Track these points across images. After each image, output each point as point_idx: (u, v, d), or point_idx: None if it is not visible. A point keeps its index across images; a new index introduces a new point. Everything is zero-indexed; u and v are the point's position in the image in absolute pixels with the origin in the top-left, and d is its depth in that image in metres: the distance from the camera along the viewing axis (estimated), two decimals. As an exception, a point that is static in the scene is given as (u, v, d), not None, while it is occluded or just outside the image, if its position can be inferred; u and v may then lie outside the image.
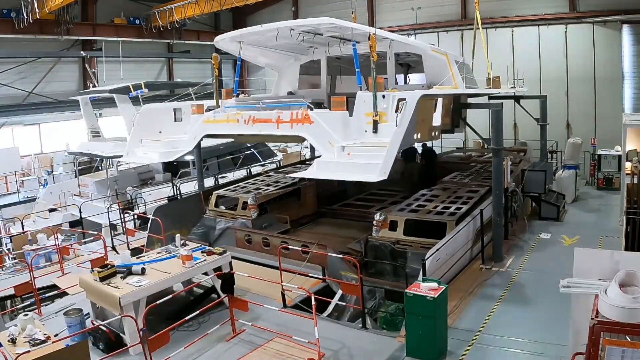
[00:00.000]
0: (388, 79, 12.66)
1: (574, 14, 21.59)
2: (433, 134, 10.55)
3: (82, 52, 24.96)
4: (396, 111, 9.19)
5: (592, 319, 4.55)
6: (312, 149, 19.72)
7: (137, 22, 26.73)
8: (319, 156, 9.72)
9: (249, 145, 21.20)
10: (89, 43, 25.53)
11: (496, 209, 10.95)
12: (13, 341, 6.23)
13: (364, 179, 8.58)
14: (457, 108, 12.48)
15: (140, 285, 7.54)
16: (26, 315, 6.74)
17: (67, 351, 6.18)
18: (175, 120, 13.21)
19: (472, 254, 10.77)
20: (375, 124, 9.26)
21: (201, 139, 11.90)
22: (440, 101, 10.72)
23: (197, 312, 7.77)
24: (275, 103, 11.26)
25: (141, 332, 6.74)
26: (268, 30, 11.63)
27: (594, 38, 21.19)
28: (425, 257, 8.28)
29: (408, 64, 14.95)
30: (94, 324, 7.75)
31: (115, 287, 7.47)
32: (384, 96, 9.41)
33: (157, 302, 7.30)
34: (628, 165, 13.61)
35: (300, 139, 9.82)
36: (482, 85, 14.14)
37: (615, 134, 16.48)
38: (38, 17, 20.76)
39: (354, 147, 8.86)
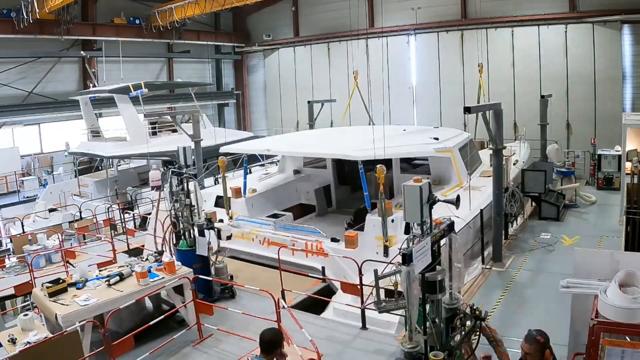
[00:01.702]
0: (394, 180, 13.08)
1: (574, 14, 21.58)
2: None
3: (82, 52, 24.94)
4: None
5: (592, 319, 4.56)
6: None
7: (137, 22, 26.72)
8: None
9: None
10: (89, 43, 25.52)
11: (496, 209, 10.96)
12: (13, 341, 6.23)
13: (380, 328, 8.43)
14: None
15: (85, 305, 7.01)
16: (26, 315, 6.73)
17: (59, 340, 6.16)
18: None
19: (472, 254, 10.77)
20: (386, 249, 9.66)
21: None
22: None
23: (162, 316, 7.59)
24: (288, 225, 11.54)
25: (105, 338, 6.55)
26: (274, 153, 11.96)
27: (594, 38, 21.18)
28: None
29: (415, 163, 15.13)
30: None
31: (60, 305, 7.01)
32: (392, 220, 9.85)
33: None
34: (628, 165, 13.62)
35: (317, 270, 10.04)
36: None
37: (615, 134, 16.50)
38: (38, 17, 20.75)
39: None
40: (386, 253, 9.63)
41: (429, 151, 12.45)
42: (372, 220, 10.11)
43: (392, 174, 13.29)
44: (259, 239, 11.09)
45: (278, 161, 21.51)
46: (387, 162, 12.10)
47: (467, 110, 10.24)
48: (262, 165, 20.55)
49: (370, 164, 11.18)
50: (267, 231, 11.23)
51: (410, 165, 13.91)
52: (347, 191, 14.92)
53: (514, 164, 14.89)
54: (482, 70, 18.61)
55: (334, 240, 10.33)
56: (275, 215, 12.51)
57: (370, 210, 10.60)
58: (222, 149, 13.62)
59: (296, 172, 15.00)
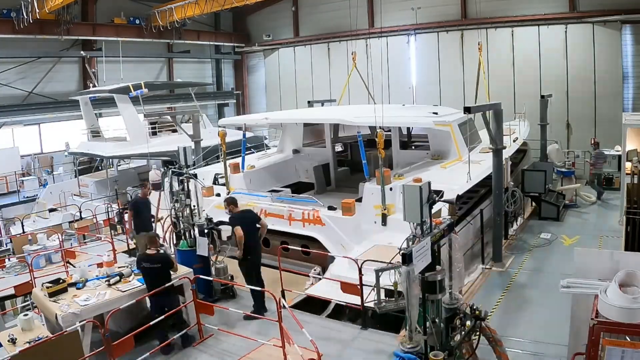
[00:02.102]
0: (393, 153, 13.03)
1: (574, 14, 21.57)
2: None
3: (82, 52, 24.94)
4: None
5: (592, 319, 4.56)
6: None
7: (137, 22, 26.71)
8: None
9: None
10: (89, 43, 25.51)
11: (496, 209, 10.96)
12: (13, 341, 6.23)
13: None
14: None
15: (85, 305, 7.01)
16: (26, 315, 6.73)
17: (59, 341, 6.17)
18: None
19: (472, 254, 10.77)
20: (385, 217, 9.56)
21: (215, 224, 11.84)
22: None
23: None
24: (285, 197, 11.48)
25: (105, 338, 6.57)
26: (272, 121, 11.90)
27: (594, 38, 21.17)
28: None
29: (414, 140, 15.11)
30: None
31: (60, 304, 7.02)
32: (391, 189, 9.74)
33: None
34: (628, 165, 13.61)
35: (313, 239, 9.99)
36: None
37: (615, 134, 16.49)
38: (38, 17, 20.74)
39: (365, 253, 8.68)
40: (384, 222, 9.49)
41: (428, 122, 12.36)
42: (370, 188, 9.89)
43: (392, 150, 13.19)
44: (256, 211, 10.84)
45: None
46: (387, 143, 12.05)
47: (467, 110, 10.25)
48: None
49: (370, 147, 11.08)
50: (265, 202, 11.05)
51: (409, 142, 13.84)
52: (347, 172, 14.90)
53: (514, 141, 14.86)
54: (481, 48, 18.40)
55: (331, 208, 10.21)
56: (273, 192, 12.44)
57: (368, 179, 10.46)
58: (221, 122, 13.53)
59: (295, 151, 14.94)
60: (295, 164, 14.26)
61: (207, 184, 12.72)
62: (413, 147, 14.33)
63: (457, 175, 11.02)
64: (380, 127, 9.70)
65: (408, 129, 15.10)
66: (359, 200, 10.42)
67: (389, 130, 12.95)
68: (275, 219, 10.50)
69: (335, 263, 9.27)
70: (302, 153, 14.82)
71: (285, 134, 15.61)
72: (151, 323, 7.35)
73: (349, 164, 15.02)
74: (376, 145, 9.94)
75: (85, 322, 6.81)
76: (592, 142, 17.45)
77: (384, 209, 9.52)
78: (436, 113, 13.18)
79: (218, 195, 11.97)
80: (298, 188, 13.61)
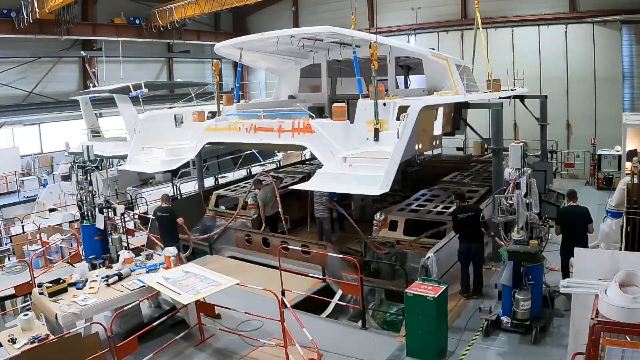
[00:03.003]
0: (388, 81, 12.64)
1: (574, 14, 21.58)
2: (434, 142, 10.55)
3: (82, 52, 24.95)
4: (397, 119, 9.28)
5: (592, 319, 4.55)
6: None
7: (137, 22, 26.72)
8: (321, 165, 9.67)
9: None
10: (89, 43, 25.53)
11: (496, 209, 10.94)
12: (13, 341, 6.23)
13: (366, 192, 8.51)
14: (458, 110, 12.47)
15: (84, 305, 7.01)
16: (26, 315, 6.73)
17: (79, 339, 6.26)
18: (176, 126, 13.27)
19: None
20: (377, 132, 9.28)
21: (203, 147, 11.87)
22: (441, 110, 10.70)
23: (165, 317, 7.63)
24: (276, 112, 11.26)
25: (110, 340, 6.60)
26: (269, 37, 11.65)
27: (594, 38, 21.18)
28: (426, 257, 8.29)
29: (408, 65, 14.96)
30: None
31: (60, 304, 7.01)
32: (385, 104, 9.44)
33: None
34: (628, 165, 13.61)
35: (301, 148, 9.81)
36: (483, 88, 14.16)
37: (615, 134, 16.49)
38: (38, 17, 20.76)
39: (355, 159, 8.79)
40: (376, 137, 9.28)
41: (425, 51, 12.19)
42: (364, 104, 9.62)
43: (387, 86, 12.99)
44: (245, 127, 10.74)
45: (279, 161, 21.65)
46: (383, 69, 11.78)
47: (466, 106, 10.22)
48: (262, 165, 20.56)
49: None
50: (255, 119, 10.87)
51: (405, 67, 13.65)
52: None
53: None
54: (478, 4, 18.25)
55: (323, 117, 10.02)
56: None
57: (361, 95, 10.24)
58: (218, 46, 13.26)
59: (291, 97, 14.85)
60: (290, 105, 14.16)
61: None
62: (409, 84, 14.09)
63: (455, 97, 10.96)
64: (375, 41, 9.48)
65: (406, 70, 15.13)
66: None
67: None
68: (264, 133, 10.34)
69: (325, 166, 9.15)
70: (298, 98, 14.69)
71: (282, 81, 15.49)
72: (155, 324, 7.35)
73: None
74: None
75: (90, 324, 6.85)
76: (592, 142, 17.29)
77: (377, 124, 9.24)
78: (433, 49, 12.98)
79: (209, 116, 11.98)
80: None
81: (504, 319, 7.48)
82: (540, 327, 7.40)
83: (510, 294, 7.44)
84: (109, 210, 10.71)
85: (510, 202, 7.60)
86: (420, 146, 9.56)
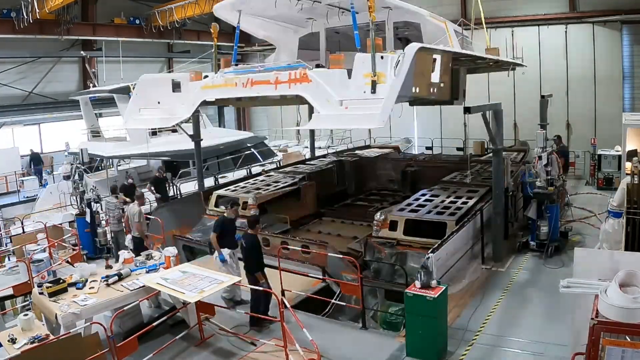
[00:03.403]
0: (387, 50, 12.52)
1: (574, 14, 21.58)
2: (432, 89, 10.31)
3: (82, 52, 24.96)
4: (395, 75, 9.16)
5: (592, 319, 4.55)
6: (312, 149, 19.74)
7: (137, 22, 26.73)
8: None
9: (249, 145, 21.20)
10: (89, 43, 25.53)
11: (496, 208, 10.95)
12: (13, 341, 6.23)
13: (363, 126, 8.39)
14: (456, 75, 12.29)
15: (84, 305, 7.03)
16: (26, 315, 6.73)
17: (79, 337, 6.27)
18: (173, 90, 12.83)
19: (472, 254, 10.77)
20: (374, 84, 9.03)
21: (199, 105, 11.67)
22: (439, 59, 10.53)
23: (165, 317, 7.64)
24: (274, 66, 11.12)
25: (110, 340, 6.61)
26: None
27: (594, 38, 21.19)
28: (426, 257, 8.28)
29: (407, 38, 14.84)
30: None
31: (60, 304, 7.03)
32: (382, 57, 9.18)
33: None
34: (628, 165, 13.61)
35: (299, 100, 9.73)
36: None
37: (615, 134, 16.49)
38: (38, 17, 20.76)
39: (352, 101, 8.77)
40: (374, 89, 9.08)
41: (423, 12, 12.05)
42: (361, 57, 9.40)
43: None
44: (242, 82, 10.55)
45: (279, 161, 21.64)
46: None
47: (467, 110, 10.21)
48: (262, 165, 20.55)
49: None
50: (252, 74, 10.72)
51: (404, 40, 13.58)
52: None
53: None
54: None
55: (319, 65, 10.00)
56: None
57: (359, 49, 9.89)
58: (216, 7, 13.17)
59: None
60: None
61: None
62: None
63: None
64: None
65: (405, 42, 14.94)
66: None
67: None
68: (261, 86, 10.26)
69: (322, 110, 9.14)
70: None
71: (280, 52, 15.38)
72: (155, 324, 7.35)
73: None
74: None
75: (91, 324, 6.85)
76: (592, 142, 17.35)
77: (374, 76, 9.03)
78: None
79: (206, 76, 11.85)
80: None
81: (532, 242, 11.18)
82: (555, 246, 10.95)
83: (535, 223, 11.02)
84: (99, 204, 12.58)
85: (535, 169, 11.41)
86: (417, 90, 9.41)
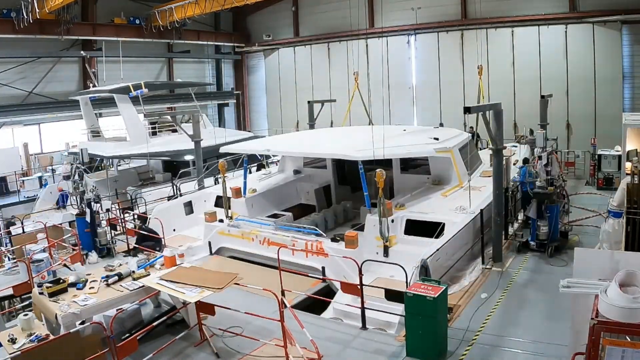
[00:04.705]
0: (394, 179, 13.17)
1: (574, 14, 21.58)
2: None
3: (82, 52, 24.94)
4: (405, 233, 10.24)
5: (592, 319, 4.55)
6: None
7: (137, 22, 26.71)
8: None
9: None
10: (89, 43, 25.51)
11: (496, 208, 10.95)
12: (13, 341, 6.23)
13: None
14: None
15: (84, 305, 7.07)
16: (26, 315, 6.73)
17: (79, 337, 6.26)
18: (186, 214, 13.91)
19: (472, 254, 10.76)
20: (386, 249, 9.77)
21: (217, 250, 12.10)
22: None
23: (165, 317, 7.65)
24: (288, 225, 11.60)
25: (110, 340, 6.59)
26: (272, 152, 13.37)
27: (594, 38, 21.18)
28: (426, 257, 8.28)
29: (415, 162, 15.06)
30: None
31: (60, 304, 7.06)
32: (392, 221, 9.94)
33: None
34: (628, 165, 13.61)
35: (316, 269, 10.06)
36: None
37: (615, 134, 16.49)
38: (38, 17, 20.75)
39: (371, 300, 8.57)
40: (386, 253, 9.60)
41: (429, 151, 12.47)
42: (372, 220, 10.10)
43: (392, 174, 13.29)
44: (259, 239, 11.07)
45: (278, 161, 21.63)
46: (388, 162, 12.03)
47: (467, 110, 10.20)
48: (262, 164, 20.53)
49: (371, 164, 11.17)
50: (267, 231, 11.21)
51: (410, 164, 13.90)
52: (348, 191, 14.92)
53: (514, 164, 14.90)
54: (481, 72, 18.56)
55: (334, 240, 10.31)
56: (275, 216, 12.51)
57: (370, 210, 10.58)
58: (222, 149, 13.60)
59: (296, 172, 14.99)
60: (297, 185, 14.35)
61: (209, 207, 13.59)
62: (413, 169, 14.27)
63: (458, 203, 11.27)
64: (379, 169, 9.86)
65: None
66: (361, 228, 10.54)
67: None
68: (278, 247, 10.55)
69: (339, 295, 9.31)
70: (303, 174, 14.87)
71: (285, 161, 15.61)
72: (155, 324, 7.34)
73: (349, 181, 14.93)
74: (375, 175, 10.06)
75: (90, 324, 6.84)
76: (592, 142, 17.30)
77: (386, 241, 9.78)
78: (437, 138, 13.23)
79: (221, 221, 12.08)
80: (299, 210, 13.63)
81: (532, 242, 11.09)
82: (555, 246, 10.85)
83: (535, 223, 10.93)
84: (99, 204, 12.68)
85: (535, 170, 11.42)
86: None
